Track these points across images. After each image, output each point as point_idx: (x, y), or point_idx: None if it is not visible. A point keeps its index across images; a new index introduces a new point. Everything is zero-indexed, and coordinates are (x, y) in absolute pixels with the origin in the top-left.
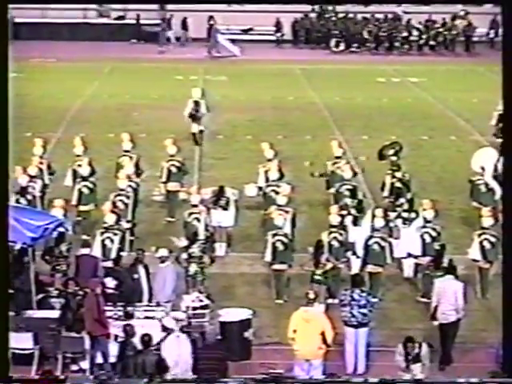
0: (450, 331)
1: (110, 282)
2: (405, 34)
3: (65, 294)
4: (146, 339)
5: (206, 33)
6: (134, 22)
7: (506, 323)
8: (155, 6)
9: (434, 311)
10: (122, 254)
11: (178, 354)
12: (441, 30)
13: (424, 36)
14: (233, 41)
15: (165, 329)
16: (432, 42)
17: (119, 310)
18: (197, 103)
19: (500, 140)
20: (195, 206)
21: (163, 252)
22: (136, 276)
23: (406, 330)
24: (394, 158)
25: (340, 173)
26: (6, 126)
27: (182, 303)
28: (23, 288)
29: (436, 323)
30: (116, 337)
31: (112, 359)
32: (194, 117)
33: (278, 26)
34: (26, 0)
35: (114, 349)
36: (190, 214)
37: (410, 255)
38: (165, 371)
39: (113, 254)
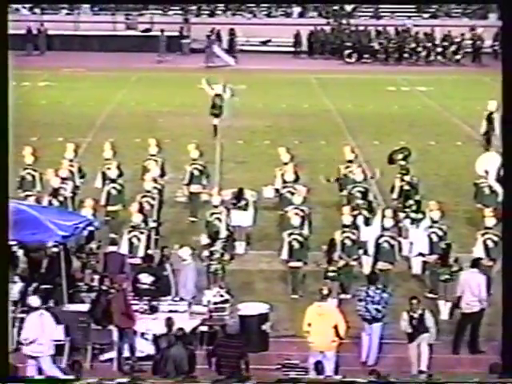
0: (474, 320)
1: (146, 278)
2: (413, 45)
3: (97, 289)
4: (180, 333)
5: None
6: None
7: (506, 321)
8: (179, 19)
9: (458, 301)
10: (149, 251)
11: None
12: (446, 44)
13: (432, 49)
14: (228, 51)
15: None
16: (439, 57)
17: (145, 304)
18: (218, 96)
19: (487, 138)
20: (216, 206)
21: (186, 250)
22: (166, 273)
23: None
24: (402, 163)
25: (352, 176)
26: (7, 128)
27: (203, 298)
28: (60, 283)
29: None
30: (143, 334)
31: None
32: (215, 111)
33: (298, 38)
34: (25, 0)
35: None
36: (212, 214)
37: (418, 253)
38: (194, 366)
39: (139, 252)
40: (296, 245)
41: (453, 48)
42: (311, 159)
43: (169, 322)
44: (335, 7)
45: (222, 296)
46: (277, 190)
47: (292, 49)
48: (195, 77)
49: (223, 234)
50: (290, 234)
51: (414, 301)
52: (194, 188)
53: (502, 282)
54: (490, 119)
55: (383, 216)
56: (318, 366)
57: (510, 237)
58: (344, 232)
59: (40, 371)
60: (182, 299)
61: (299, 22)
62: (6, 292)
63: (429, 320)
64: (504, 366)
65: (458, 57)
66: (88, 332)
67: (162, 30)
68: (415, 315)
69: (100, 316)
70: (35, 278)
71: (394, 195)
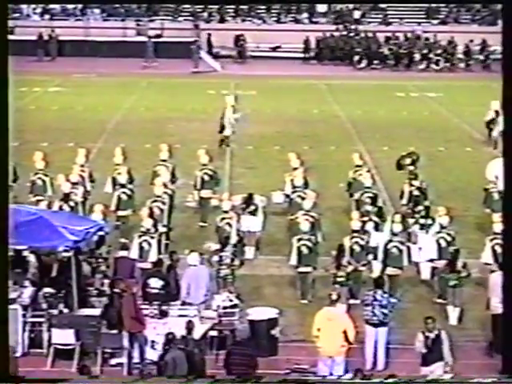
0: (499, 322)
1: (156, 283)
2: (424, 51)
3: (108, 294)
4: (170, 337)
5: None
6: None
7: (506, 324)
8: (190, 25)
9: (487, 303)
10: (159, 256)
11: None
12: (455, 50)
13: (441, 56)
14: (215, 57)
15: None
16: (448, 63)
17: (155, 309)
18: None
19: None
20: (227, 211)
21: (195, 255)
22: (175, 278)
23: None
24: (411, 168)
25: (361, 181)
26: (7, 130)
27: (213, 302)
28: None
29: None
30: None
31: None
32: (223, 126)
33: (307, 44)
34: (25, 0)
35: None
36: (222, 219)
37: (427, 259)
38: (196, 366)
39: (150, 257)
40: (305, 250)
41: (462, 54)
42: (320, 165)
43: (189, 325)
44: (344, 13)
45: (231, 301)
46: (286, 196)
47: (301, 55)
48: (205, 82)
49: (233, 239)
50: (299, 240)
51: (430, 320)
52: (204, 193)
53: (502, 283)
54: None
55: (392, 221)
56: None
57: (510, 238)
58: (353, 237)
59: None
60: (190, 304)
61: (309, 27)
62: (6, 293)
63: (445, 341)
64: (504, 366)
65: (468, 63)
66: (98, 336)
67: (150, 36)
68: (431, 335)
69: (114, 320)
70: (46, 283)
71: (404, 201)
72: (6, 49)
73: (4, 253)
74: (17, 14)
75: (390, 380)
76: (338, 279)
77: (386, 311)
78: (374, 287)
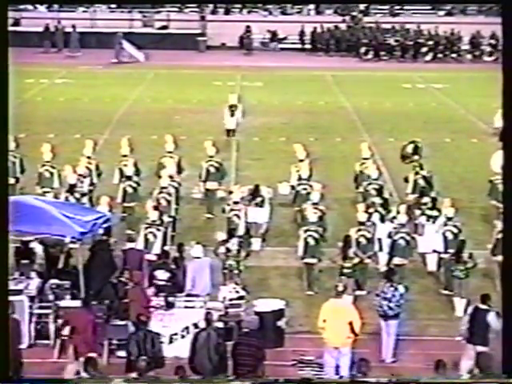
0: None
1: (162, 275)
2: (431, 42)
3: (117, 284)
4: (143, 319)
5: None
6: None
7: (506, 321)
8: (196, 16)
9: None
10: (165, 248)
11: None
12: (462, 41)
13: (447, 47)
14: (139, 47)
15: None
16: (454, 54)
17: (161, 301)
18: (233, 107)
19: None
20: (236, 203)
21: (199, 247)
22: (182, 269)
23: (429, 321)
24: (415, 157)
25: (367, 172)
26: (6, 125)
27: (219, 294)
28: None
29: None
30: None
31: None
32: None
33: (302, 35)
34: (26, 0)
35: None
36: (231, 210)
37: (433, 250)
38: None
39: (155, 248)
40: (311, 241)
41: (468, 45)
42: (327, 156)
43: (208, 317)
44: (350, 5)
45: (237, 292)
46: (292, 187)
47: (307, 46)
48: (211, 74)
49: (241, 230)
50: (306, 231)
51: (487, 297)
52: (210, 185)
53: (502, 282)
54: None
55: (398, 212)
56: None
57: (510, 236)
58: (359, 230)
59: None
60: (197, 295)
61: (315, 19)
62: (6, 291)
63: (494, 323)
64: (504, 365)
65: (474, 54)
66: (105, 328)
67: (74, 26)
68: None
69: (120, 310)
70: (52, 274)
71: (409, 189)
72: (6, 47)
73: (5, 252)
74: (23, 6)
75: (385, 380)
76: (345, 270)
77: (391, 304)
78: (384, 279)
